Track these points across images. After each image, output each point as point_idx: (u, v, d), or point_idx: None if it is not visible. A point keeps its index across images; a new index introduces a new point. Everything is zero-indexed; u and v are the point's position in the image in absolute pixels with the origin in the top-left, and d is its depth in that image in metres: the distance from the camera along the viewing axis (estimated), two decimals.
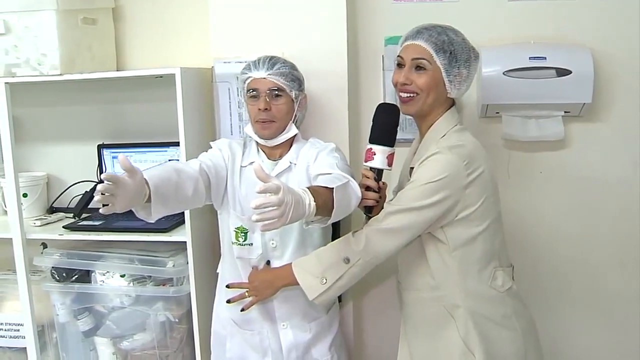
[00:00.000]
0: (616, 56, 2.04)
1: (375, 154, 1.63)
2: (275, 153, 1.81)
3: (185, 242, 1.98)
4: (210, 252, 2.07)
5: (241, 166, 1.81)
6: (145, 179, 1.36)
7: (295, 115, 1.79)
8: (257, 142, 1.82)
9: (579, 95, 1.99)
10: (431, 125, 1.64)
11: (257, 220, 1.22)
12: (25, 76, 2.03)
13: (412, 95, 1.60)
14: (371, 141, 1.65)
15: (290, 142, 1.81)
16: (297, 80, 1.76)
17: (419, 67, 1.58)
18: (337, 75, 2.05)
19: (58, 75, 2.00)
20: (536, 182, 2.16)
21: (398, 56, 1.64)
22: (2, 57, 2.03)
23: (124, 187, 1.28)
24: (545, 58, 1.97)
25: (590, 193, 2.14)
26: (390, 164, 1.64)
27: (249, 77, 1.74)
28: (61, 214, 2.35)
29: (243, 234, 1.79)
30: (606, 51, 2.03)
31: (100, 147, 2.33)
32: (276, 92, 1.72)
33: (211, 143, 1.86)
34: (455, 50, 1.57)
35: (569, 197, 2.16)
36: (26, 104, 2.34)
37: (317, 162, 1.73)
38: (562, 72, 1.96)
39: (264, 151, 1.82)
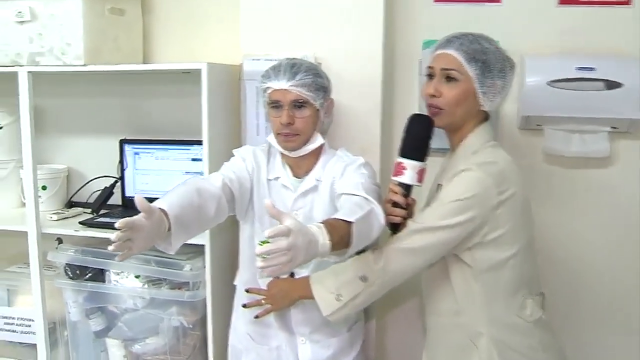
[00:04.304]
0: None
1: (405, 169, 1.52)
2: (301, 167, 1.72)
3: (204, 245, 1.92)
4: (229, 257, 2.00)
5: (267, 179, 1.73)
6: (164, 210, 1.30)
7: (322, 122, 1.70)
8: (281, 152, 1.73)
9: (629, 110, 1.88)
10: (462, 140, 1.56)
11: (263, 267, 1.15)
12: (48, 65, 1.99)
13: (438, 109, 1.52)
14: (401, 155, 1.54)
15: (316, 154, 1.72)
16: (321, 88, 1.65)
17: (449, 78, 1.51)
18: (370, 80, 1.95)
19: (82, 65, 1.95)
20: (577, 201, 2.05)
21: (428, 67, 1.57)
22: (27, 45, 2.00)
23: (140, 230, 1.22)
24: (594, 69, 1.88)
25: (636, 216, 2.02)
26: (420, 180, 1.54)
27: (270, 87, 1.64)
28: (79, 209, 2.30)
29: None
30: None
31: (122, 142, 2.28)
32: (300, 103, 1.63)
33: (234, 151, 1.78)
34: (488, 60, 1.49)
35: (613, 220, 2.04)
36: (49, 94, 2.29)
37: (343, 178, 1.64)
38: (611, 85, 1.87)
39: (289, 164, 1.74)
